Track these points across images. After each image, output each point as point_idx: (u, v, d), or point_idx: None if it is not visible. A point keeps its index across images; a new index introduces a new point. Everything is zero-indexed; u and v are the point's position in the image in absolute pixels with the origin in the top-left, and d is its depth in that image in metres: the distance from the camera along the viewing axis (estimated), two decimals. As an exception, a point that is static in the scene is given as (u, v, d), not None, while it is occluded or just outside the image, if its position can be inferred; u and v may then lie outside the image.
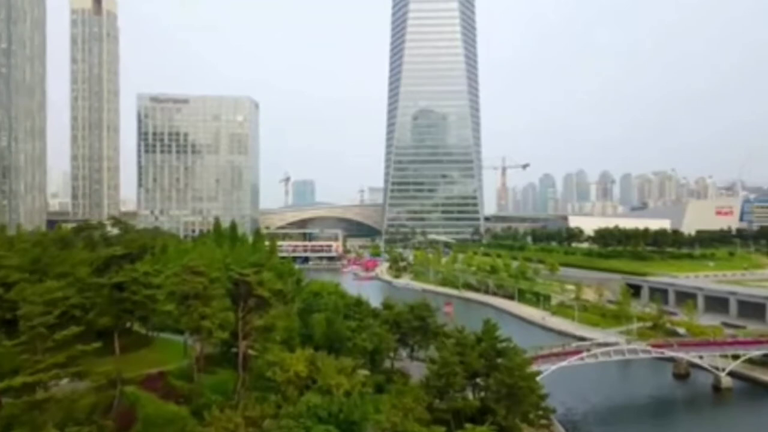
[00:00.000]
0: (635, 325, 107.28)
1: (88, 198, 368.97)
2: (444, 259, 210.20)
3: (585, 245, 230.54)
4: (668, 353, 79.40)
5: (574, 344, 79.07)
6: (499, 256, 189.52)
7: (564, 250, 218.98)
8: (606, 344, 77.33)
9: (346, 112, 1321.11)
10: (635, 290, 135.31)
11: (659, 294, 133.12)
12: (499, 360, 57.17)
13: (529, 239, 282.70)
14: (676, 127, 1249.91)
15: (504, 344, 58.67)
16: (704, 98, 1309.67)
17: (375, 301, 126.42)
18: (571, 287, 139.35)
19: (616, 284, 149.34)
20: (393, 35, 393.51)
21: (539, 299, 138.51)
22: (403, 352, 79.94)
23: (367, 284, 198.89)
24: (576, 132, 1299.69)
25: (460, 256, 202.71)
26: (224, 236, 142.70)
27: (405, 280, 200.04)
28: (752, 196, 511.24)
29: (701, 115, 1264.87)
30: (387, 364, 70.59)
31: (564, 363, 71.51)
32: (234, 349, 54.75)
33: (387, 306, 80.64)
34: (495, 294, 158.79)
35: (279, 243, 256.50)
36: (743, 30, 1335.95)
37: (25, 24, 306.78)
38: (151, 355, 57.24)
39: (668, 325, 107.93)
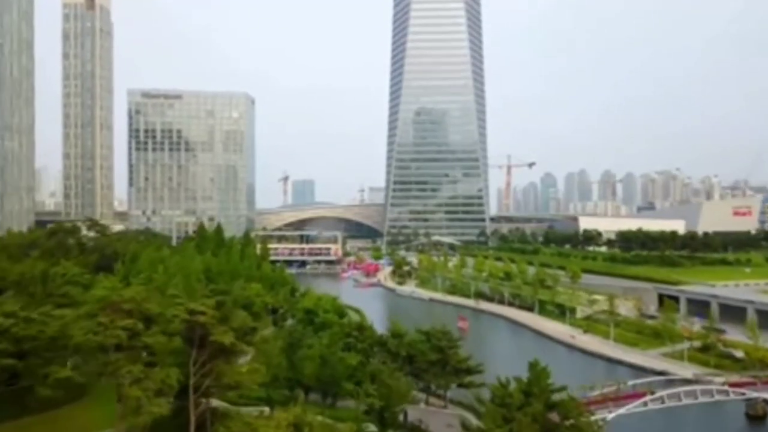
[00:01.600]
0: (685, 346, 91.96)
1: (80, 198, 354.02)
2: (450, 263, 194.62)
3: (603, 249, 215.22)
4: (750, 394, 64.03)
5: (631, 382, 63.67)
6: (512, 261, 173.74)
7: (582, 255, 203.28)
8: (673, 380, 62.19)
9: (346, 105, 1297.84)
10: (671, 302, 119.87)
11: (700, 306, 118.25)
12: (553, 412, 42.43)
13: (540, 241, 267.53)
14: (675, 126, 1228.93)
15: (559, 396, 43.58)
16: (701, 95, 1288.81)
17: (377, 311, 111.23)
18: (599, 298, 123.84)
19: (646, 294, 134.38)
20: (395, 27, 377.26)
21: (564, 312, 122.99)
22: (415, 387, 64.96)
23: (368, 292, 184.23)
24: (577, 130, 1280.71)
25: (470, 260, 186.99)
26: (209, 241, 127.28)
27: (410, 288, 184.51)
28: (759, 196, 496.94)
29: (699, 113, 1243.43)
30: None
31: (622, 410, 56.44)
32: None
33: (395, 333, 65.28)
34: (511, 304, 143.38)
35: (274, 246, 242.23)
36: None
37: (11, 16, 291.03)
38: (79, 414, 41.91)
39: (721, 347, 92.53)
